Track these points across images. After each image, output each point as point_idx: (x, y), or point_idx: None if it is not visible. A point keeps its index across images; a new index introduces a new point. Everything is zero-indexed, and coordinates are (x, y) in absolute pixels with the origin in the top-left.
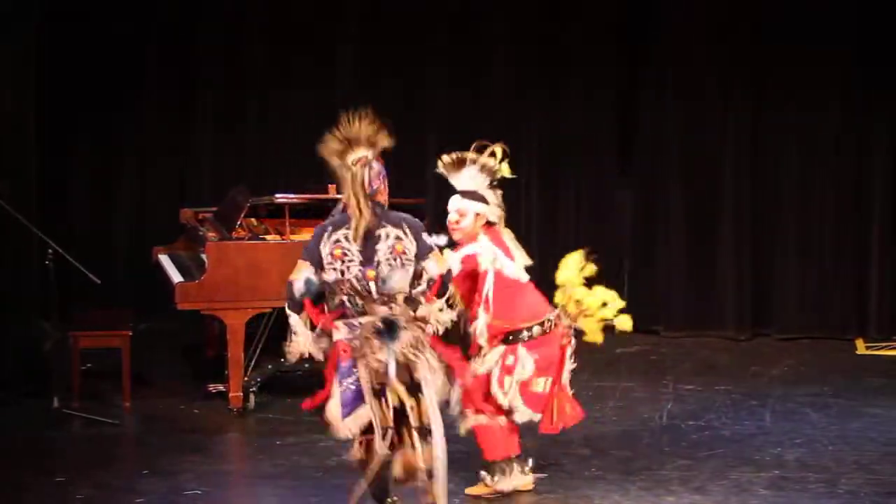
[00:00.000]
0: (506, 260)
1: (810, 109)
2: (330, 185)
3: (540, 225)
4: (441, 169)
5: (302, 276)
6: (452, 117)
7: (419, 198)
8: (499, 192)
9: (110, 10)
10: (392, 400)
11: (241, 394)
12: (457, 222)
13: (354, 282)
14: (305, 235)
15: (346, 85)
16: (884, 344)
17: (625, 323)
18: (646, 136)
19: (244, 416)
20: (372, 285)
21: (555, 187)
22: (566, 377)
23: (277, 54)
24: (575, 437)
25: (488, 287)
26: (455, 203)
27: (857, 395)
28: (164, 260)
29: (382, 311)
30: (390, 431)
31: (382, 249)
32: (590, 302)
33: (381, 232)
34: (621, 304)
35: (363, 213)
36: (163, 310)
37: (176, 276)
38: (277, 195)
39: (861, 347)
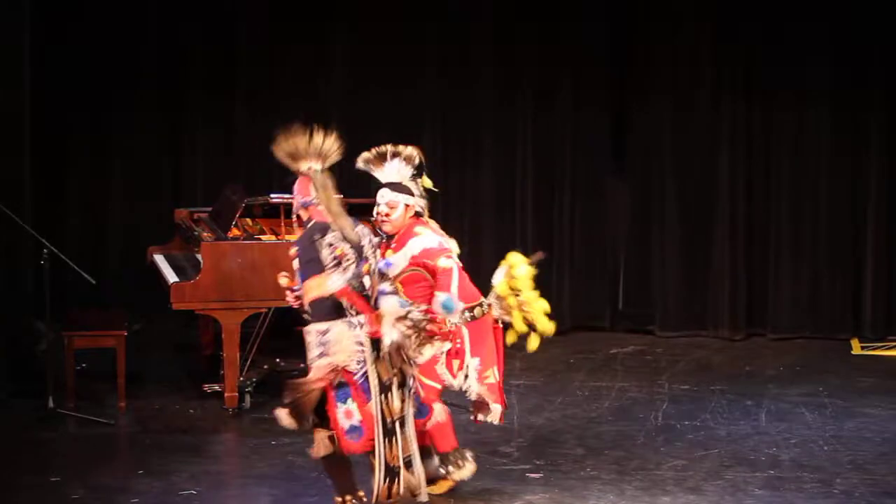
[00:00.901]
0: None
1: (805, 109)
2: None
3: (535, 225)
4: (362, 164)
5: (339, 284)
6: (447, 118)
7: None
8: (420, 182)
9: (105, 10)
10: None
11: (237, 394)
12: (387, 215)
13: (354, 281)
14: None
15: (342, 85)
16: (879, 344)
17: (546, 329)
18: (640, 136)
19: (239, 415)
20: (366, 280)
21: (549, 187)
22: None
23: (274, 54)
24: (570, 438)
25: (455, 283)
26: (385, 195)
27: (852, 395)
28: (160, 260)
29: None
30: (398, 424)
31: (366, 245)
32: (530, 300)
33: (359, 229)
34: (548, 308)
35: (337, 211)
36: (158, 310)
37: (171, 276)
38: (273, 195)
39: (856, 347)
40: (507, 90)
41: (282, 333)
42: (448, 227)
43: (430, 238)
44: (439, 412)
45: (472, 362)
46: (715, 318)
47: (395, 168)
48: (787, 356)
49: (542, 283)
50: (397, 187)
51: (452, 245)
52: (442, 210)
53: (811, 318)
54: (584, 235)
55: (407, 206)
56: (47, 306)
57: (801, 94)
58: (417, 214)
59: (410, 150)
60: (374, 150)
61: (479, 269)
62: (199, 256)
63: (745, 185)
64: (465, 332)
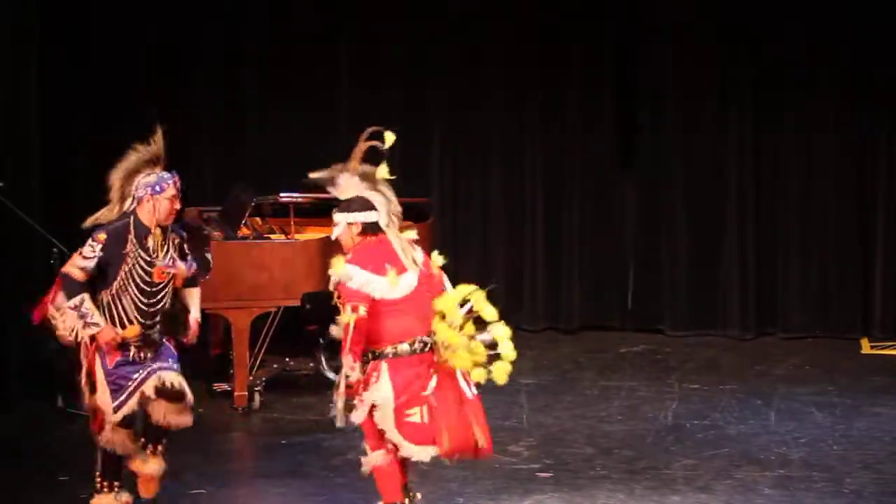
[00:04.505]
0: (374, 280)
1: (813, 108)
2: None
3: (545, 224)
4: (329, 188)
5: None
6: (454, 118)
7: (423, 198)
8: (384, 190)
9: (111, 11)
10: None
11: (246, 393)
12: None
13: None
14: (310, 235)
15: (347, 85)
16: (888, 343)
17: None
18: (648, 136)
19: (249, 415)
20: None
21: (558, 188)
22: (434, 401)
23: (278, 53)
24: (580, 437)
25: (349, 334)
26: (333, 216)
27: (862, 394)
28: None
29: None
30: None
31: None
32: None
33: None
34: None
35: None
36: None
37: None
38: (282, 194)
39: (866, 347)
40: (515, 90)
41: (291, 333)
42: (457, 232)
43: (343, 276)
44: (374, 457)
45: (381, 392)
46: (724, 318)
47: (346, 184)
48: (796, 355)
49: (553, 282)
50: (343, 205)
51: (410, 264)
52: (451, 215)
53: (821, 317)
54: (593, 235)
55: (349, 224)
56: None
57: (807, 94)
58: (373, 228)
59: (352, 163)
60: (324, 172)
61: (491, 272)
62: (208, 256)
63: (753, 185)
64: (382, 365)
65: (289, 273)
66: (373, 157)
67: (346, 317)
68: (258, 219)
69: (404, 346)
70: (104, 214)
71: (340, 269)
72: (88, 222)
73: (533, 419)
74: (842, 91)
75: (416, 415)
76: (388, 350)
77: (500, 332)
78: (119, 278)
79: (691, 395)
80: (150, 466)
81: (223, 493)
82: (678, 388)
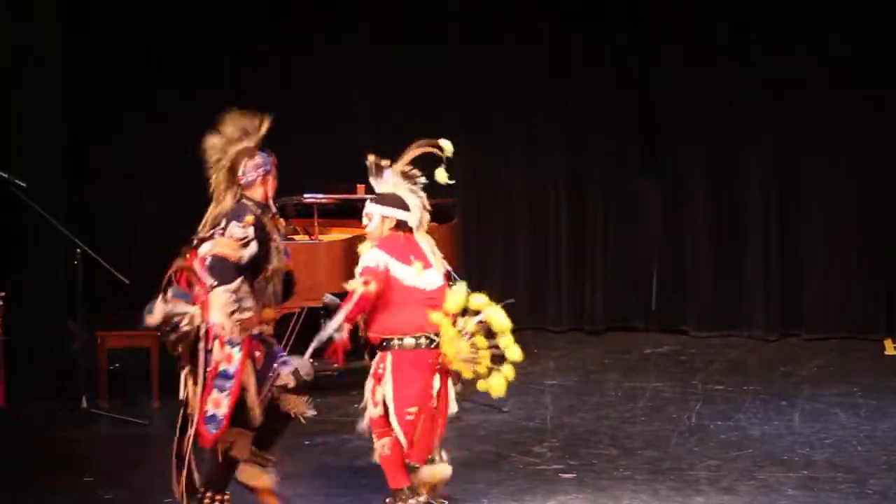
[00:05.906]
0: (398, 266)
1: (835, 108)
2: (359, 186)
3: (568, 226)
4: (371, 174)
5: None
6: (469, 119)
7: (447, 198)
8: (422, 195)
9: (111, 11)
10: None
11: None
12: (364, 225)
13: None
14: (334, 236)
15: (353, 86)
16: None
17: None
18: (671, 137)
19: None
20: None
21: (581, 189)
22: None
23: (278, 53)
24: (603, 438)
25: (350, 304)
26: (366, 206)
27: (887, 395)
28: None
29: None
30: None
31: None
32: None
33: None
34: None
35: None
36: None
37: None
38: (306, 195)
39: (889, 348)
40: (535, 93)
41: (314, 334)
42: (480, 234)
43: (367, 257)
44: (380, 446)
45: (388, 391)
46: (748, 319)
47: (389, 179)
48: (820, 356)
49: (577, 283)
50: (380, 199)
51: (437, 264)
52: (474, 216)
53: (844, 318)
54: (617, 236)
55: (384, 217)
56: (79, 306)
57: (829, 92)
58: (403, 226)
59: (400, 162)
60: (372, 160)
61: (514, 274)
62: None
63: (776, 185)
64: (388, 357)
65: (312, 274)
66: (425, 163)
67: (355, 284)
68: (282, 220)
69: (409, 340)
70: (215, 213)
71: (367, 251)
72: (207, 227)
73: (557, 420)
74: (866, 91)
75: (412, 414)
76: (395, 342)
77: (507, 343)
78: (272, 258)
79: (715, 396)
80: (264, 479)
81: (246, 495)
82: (702, 388)
